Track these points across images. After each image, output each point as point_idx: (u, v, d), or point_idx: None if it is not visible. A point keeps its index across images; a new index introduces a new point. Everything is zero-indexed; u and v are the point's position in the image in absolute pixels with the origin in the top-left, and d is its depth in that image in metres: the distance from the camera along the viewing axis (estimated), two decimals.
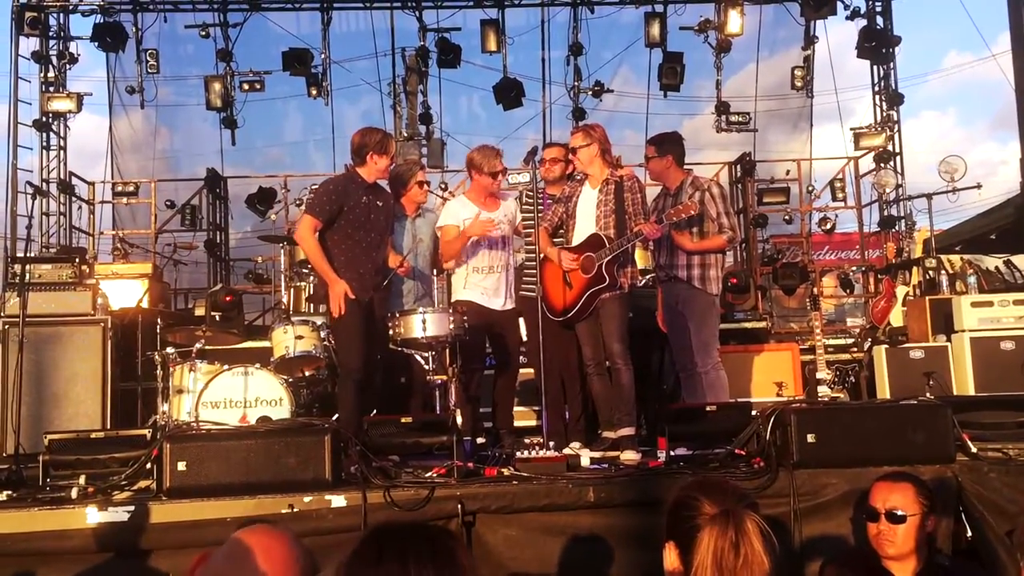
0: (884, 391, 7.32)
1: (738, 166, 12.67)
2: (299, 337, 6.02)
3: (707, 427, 4.82)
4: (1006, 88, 10.95)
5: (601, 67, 13.49)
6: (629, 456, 5.14)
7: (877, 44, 12.96)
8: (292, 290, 8.32)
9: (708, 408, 4.96)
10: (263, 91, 13.07)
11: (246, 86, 12.92)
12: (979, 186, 10.71)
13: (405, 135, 14.28)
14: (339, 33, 13.64)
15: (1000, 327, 7.26)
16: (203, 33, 12.84)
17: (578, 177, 5.84)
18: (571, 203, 5.73)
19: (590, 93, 13.11)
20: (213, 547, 1.74)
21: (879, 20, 13.04)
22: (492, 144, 6.14)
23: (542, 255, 5.59)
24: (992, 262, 11.90)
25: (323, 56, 13.14)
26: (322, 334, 6.11)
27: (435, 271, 6.31)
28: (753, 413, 4.75)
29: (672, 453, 4.70)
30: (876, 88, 13.23)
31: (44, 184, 12.01)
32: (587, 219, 5.64)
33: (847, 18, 13.11)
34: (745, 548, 1.93)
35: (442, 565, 1.18)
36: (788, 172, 12.98)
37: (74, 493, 4.22)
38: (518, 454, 4.64)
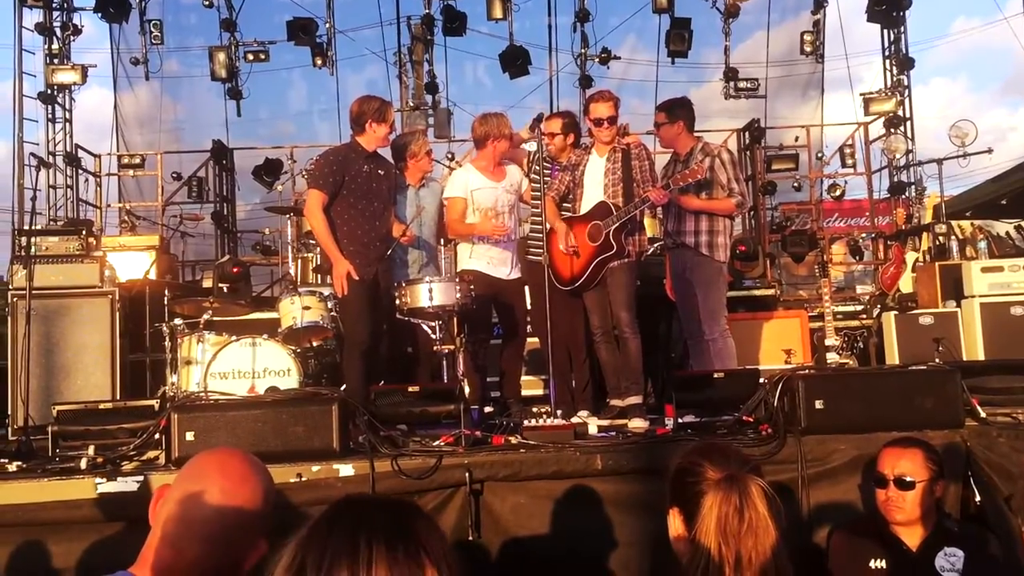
0: (893, 357, 7.30)
1: (747, 133, 12.56)
2: (306, 308, 6.01)
3: (715, 394, 4.80)
4: (1015, 53, 10.85)
5: (608, 34, 13.37)
6: (637, 424, 5.14)
7: (887, 7, 12.77)
8: (299, 261, 8.32)
9: (716, 375, 4.94)
10: (268, 61, 13.00)
11: (250, 56, 12.85)
12: (990, 151, 10.63)
13: (411, 105, 14.20)
14: (343, 2, 13.55)
15: (1010, 292, 7.20)
16: (207, 3, 12.75)
17: (584, 145, 5.79)
18: (578, 171, 5.69)
19: (597, 60, 13.00)
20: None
21: None
22: (500, 112, 6.09)
23: (548, 227, 5.54)
24: (1003, 227, 11.83)
25: (328, 25, 13.04)
26: (329, 305, 6.10)
27: (441, 241, 6.29)
28: (761, 380, 4.73)
29: (680, 420, 4.69)
30: (886, 53, 13.08)
31: (50, 157, 11.99)
32: (595, 187, 5.60)
33: None
34: (749, 513, 1.91)
35: (395, 539, 1.15)
36: (797, 139, 12.86)
37: (83, 464, 4.24)
38: (526, 422, 4.63)
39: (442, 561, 1.15)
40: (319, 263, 7.54)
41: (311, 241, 7.66)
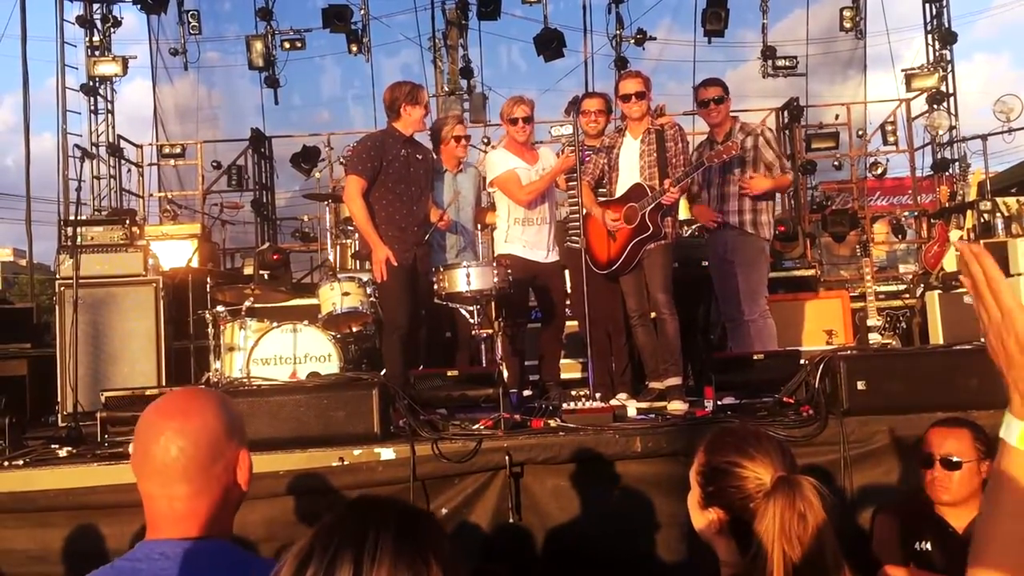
0: (937, 337, 7.20)
1: (785, 112, 12.41)
2: (345, 294, 6.06)
3: (755, 376, 4.78)
4: None
5: (644, 14, 13.26)
6: (676, 406, 5.13)
7: None
8: (338, 247, 8.39)
9: (756, 356, 4.91)
10: (304, 49, 13.07)
11: (287, 45, 12.93)
12: None
13: (446, 90, 14.22)
14: None
15: None
16: None
17: (619, 127, 5.77)
18: (613, 154, 5.66)
19: (632, 42, 12.89)
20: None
21: None
22: (523, 94, 6.08)
23: (585, 211, 5.53)
24: None
25: (362, 12, 13.08)
26: (368, 290, 6.15)
27: (478, 226, 6.30)
28: (802, 361, 4.69)
29: (719, 402, 4.68)
30: (928, 28, 12.83)
31: (94, 148, 12.18)
32: (630, 170, 5.58)
33: None
34: (811, 516, 1.89)
35: (403, 535, 1.17)
36: (837, 117, 12.69)
37: (131, 448, 4.31)
38: (565, 406, 4.65)
39: (448, 562, 1.17)
40: (357, 249, 7.60)
41: (350, 227, 7.72)
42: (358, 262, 7.67)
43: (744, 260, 5.69)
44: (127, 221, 7.40)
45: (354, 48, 13.05)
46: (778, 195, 5.95)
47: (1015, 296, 1.06)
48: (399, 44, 14.28)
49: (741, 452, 2.02)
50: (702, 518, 2.05)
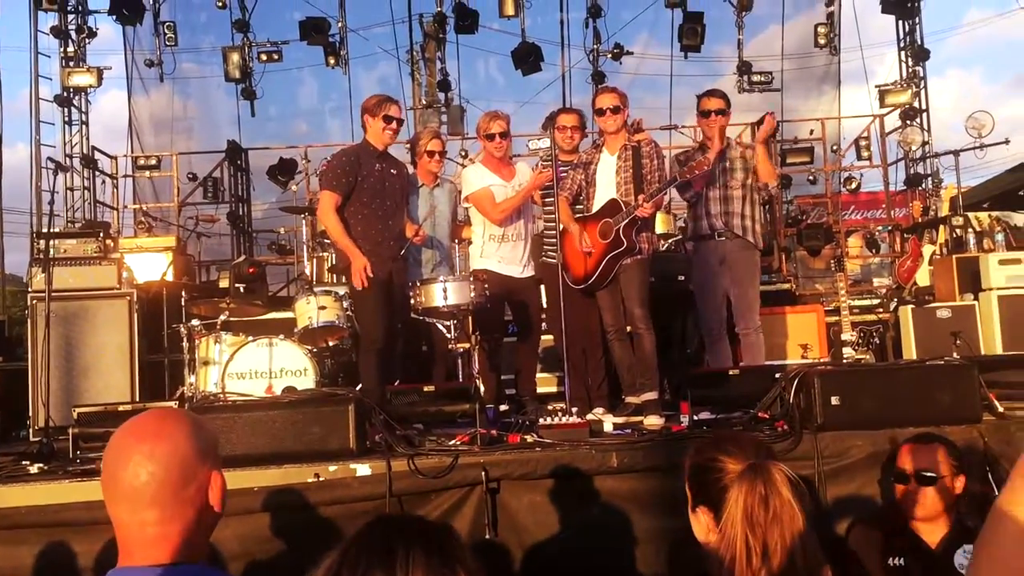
0: (910, 351, 7.27)
1: (759, 126, 12.48)
2: (322, 308, 6.04)
3: (730, 391, 4.81)
4: None
5: (621, 29, 13.35)
6: (653, 421, 5.14)
7: None
8: (315, 261, 8.36)
9: (731, 372, 4.94)
10: (281, 61, 13.05)
11: (264, 57, 12.90)
12: (1007, 142, 10.55)
13: (424, 102, 14.24)
14: (356, 0, 13.58)
15: None
16: (220, 4, 12.81)
17: (596, 143, 5.80)
18: (590, 170, 5.69)
19: (610, 56, 12.96)
20: None
21: None
22: (498, 109, 6.09)
23: (562, 227, 5.54)
24: (1021, 218, 11.72)
25: (340, 24, 13.08)
26: (345, 304, 6.13)
27: (454, 241, 6.30)
28: (777, 376, 4.72)
29: (695, 417, 4.69)
30: (901, 44, 13.00)
31: (67, 160, 12.08)
32: (607, 186, 5.61)
33: None
34: (775, 501, 1.91)
35: (431, 549, 1.18)
36: (812, 132, 12.81)
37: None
38: (541, 421, 4.65)
39: (475, 573, 1.18)
40: (334, 263, 7.57)
41: (326, 240, 7.69)
42: (335, 276, 7.65)
43: (746, 271, 5.81)
44: (101, 233, 7.34)
45: (331, 61, 13.05)
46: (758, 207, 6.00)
47: None
48: (377, 57, 14.31)
49: (720, 448, 2.06)
50: (696, 524, 2.08)
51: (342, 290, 6.29)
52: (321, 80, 14.84)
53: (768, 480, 1.92)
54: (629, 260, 5.48)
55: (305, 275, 8.24)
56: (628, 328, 5.62)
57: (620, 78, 12.84)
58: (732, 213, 5.78)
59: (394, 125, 5.59)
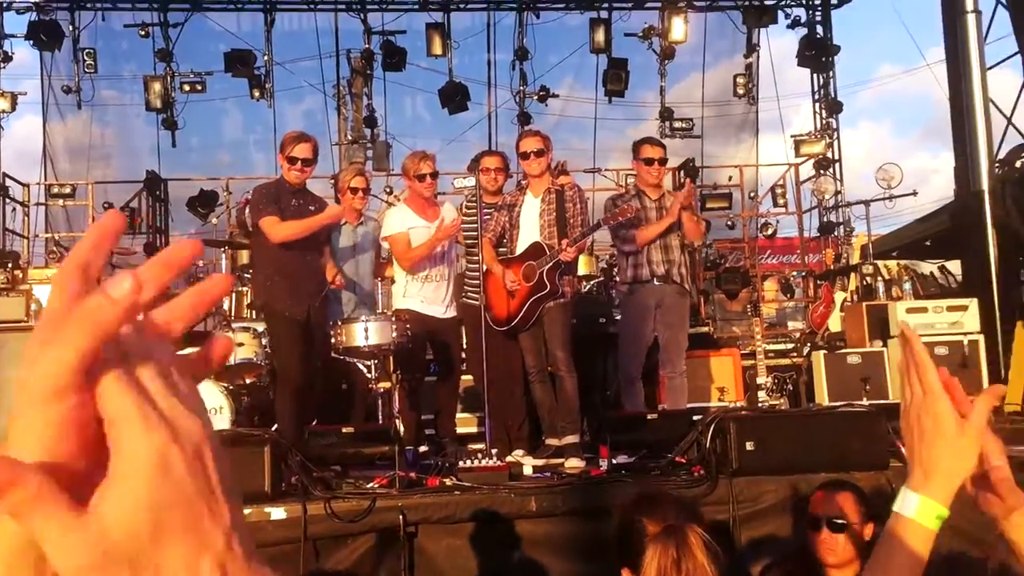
0: (823, 396, 7.45)
1: (682, 171, 12.79)
2: (240, 344, 5.93)
3: (649, 435, 4.86)
4: (935, 99, 11.26)
5: (547, 71, 13.58)
6: (573, 464, 5.15)
7: (817, 52, 13.21)
8: (233, 296, 8.19)
9: (649, 416, 5.00)
10: (204, 92, 12.88)
11: (187, 87, 12.72)
12: (915, 193, 10.97)
13: (350, 138, 14.18)
14: (282, 33, 13.54)
15: (934, 332, 7.42)
16: (143, 32, 12.62)
17: (520, 185, 5.86)
18: (514, 212, 5.73)
19: (536, 98, 13.15)
20: None
21: (819, 29, 13.30)
22: (424, 149, 6.11)
23: (485, 268, 5.56)
24: (928, 267, 12.18)
25: (266, 57, 12.99)
26: (263, 341, 6.03)
27: (377, 278, 6.27)
28: (696, 418, 4.80)
29: (614, 461, 4.72)
30: (816, 96, 13.49)
31: None
32: (530, 228, 5.65)
33: (788, 27, 13.41)
34: (687, 564, 1.93)
35: None
36: (731, 178, 13.15)
37: None
38: (460, 463, 4.62)
39: None
40: (252, 299, 7.45)
41: (246, 275, 7.57)
42: (253, 311, 7.52)
43: (680, 318, 5.95)
44: (9, 264, 7.11)
45: (256, 93, 12.93)
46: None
47: (937, 380, 1.16)
48: (303, 90, 14.22)
49: (639, 508, 2.08)
50: None
51: (260, 327, 6.19)
52: (246, 112, 14.68)
53: (682, 543, 1.94)
54: (552, 303, 5.52)
55: (223, 310, 8.08)
56: (550, 369, 5.65)
57: (545, 119, 13.02)
58: (672, 261, 5.89)
59: (299, 166, 5.44)
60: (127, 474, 0.44)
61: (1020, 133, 9.06)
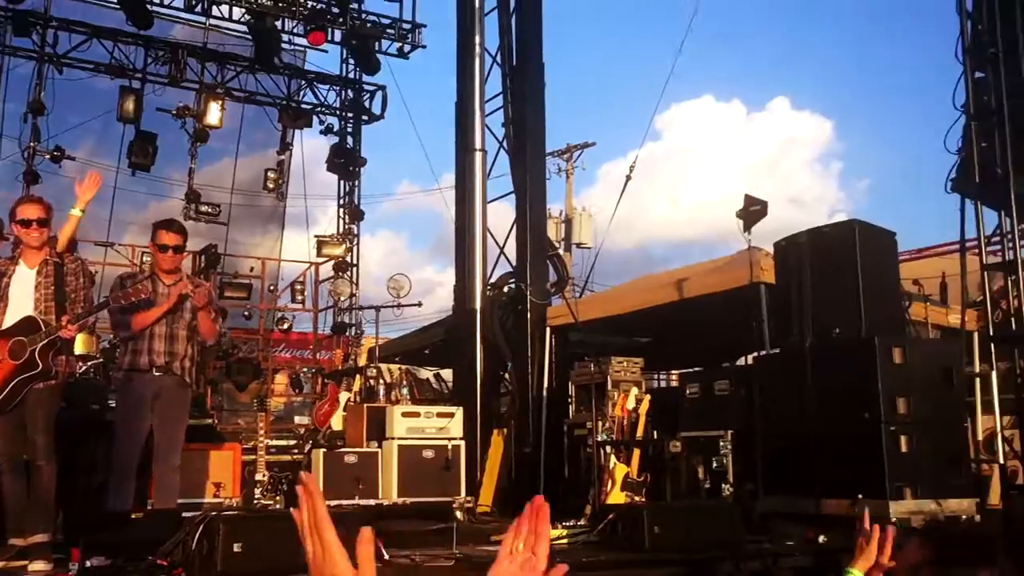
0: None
1: (203, 256, 12.54)
2: None
3: (133, 535, 4.58)
4: (446, 219, 12.45)
5: (65, 131, 12.58)
6: (39, 567, 4.64)
7: (346, 161, 13.93)
8: None
9: (135, 515, 4.73)
10: None
11: None
12: (420, 304, 11.87)
13: None
14: None
15: (424, 436, 8.05)
16: None
17: (13, 254, 5.30)
18: (2, 282, 5.16)
19: (48, 157, 12.05)
20: None
21: (349, 140, 14.07)
22: None
23: None
24: (426, 373, 13.20)
25: None
26: None
27: None
28: (187, 515, 4.63)
29: (88, 564, 4.36)
30: (341, 201, 14.15)
31: None
32: (23, 301, 5.12)
33: (321, 132, 14.03)
34: None
35: None
36: (252, 269, 13.20)
37: None
38: None
39: None
40: None
41: None
42: None
43: (178, 411, 5.68)
44: None
45: None
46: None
47: (335, 537, 1.17)
48: None
49: None
50: None
51: None
52: None
53: None
54: (42, 384, 5.02)
55: None
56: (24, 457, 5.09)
57: (58, 181, 11.95)
58: (176, 353, 5.65)
59: None
60: None
61: (509, 262, 10.31)
